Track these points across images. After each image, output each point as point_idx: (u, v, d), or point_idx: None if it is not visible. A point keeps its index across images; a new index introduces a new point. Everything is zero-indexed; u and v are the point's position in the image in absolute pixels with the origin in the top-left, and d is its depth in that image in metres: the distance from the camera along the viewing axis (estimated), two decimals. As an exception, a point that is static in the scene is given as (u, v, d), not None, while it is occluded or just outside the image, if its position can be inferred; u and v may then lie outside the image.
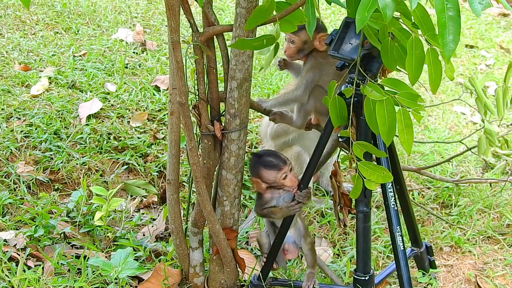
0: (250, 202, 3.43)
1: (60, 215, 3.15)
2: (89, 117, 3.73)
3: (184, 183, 3.44)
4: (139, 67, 4.39)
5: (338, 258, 3.12)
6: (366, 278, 2.55)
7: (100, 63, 4.33)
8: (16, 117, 3.68)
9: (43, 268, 2.82)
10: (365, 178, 2.30)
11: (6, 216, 3.10)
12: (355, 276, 2.56)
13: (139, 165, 3.54)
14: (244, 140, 2.61)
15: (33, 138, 3.54)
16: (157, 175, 3.52)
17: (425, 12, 1.98)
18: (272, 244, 2.67)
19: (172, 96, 2.52)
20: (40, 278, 2.73)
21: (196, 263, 2.79)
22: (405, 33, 2.07)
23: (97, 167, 3.48)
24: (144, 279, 2.81)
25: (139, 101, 3.95)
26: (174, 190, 2.67)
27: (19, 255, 2.86)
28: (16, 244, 2.92)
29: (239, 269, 2.77)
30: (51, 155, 3.48)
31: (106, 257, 2.94)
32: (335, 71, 2.45)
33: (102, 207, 3.05)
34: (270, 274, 2.74)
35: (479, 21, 6.33)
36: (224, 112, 2.58)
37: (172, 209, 2.69)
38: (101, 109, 3.80)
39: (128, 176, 3.52)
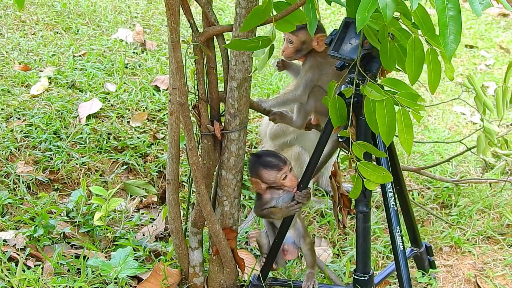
0: (250, 202, 3.43)
1: (60, 215, 3.15)
2: (89, 117, 3.73)
3: (183, 183, 3.44)
4: (139, 67, 4.39)
5: (337, 258, 3.12)
6: (366, 278, 2.55)
7: (100, 63, 4.33)
8: (16, 117, 3.68)
9: (42, 268, 2.82)
10: (364, 178, 2.30)
11: (5, 216, 3.10)
12: (355, 276, 2.56)
13: (138, 165, 3.54)
14: (244, 140, 2.61)
15: (33, 138, 3.54)
16: (156, 175, 3.52)
17: (425, 12, 1.98)
18: (272, 244, 2.67)
19: (172, 96, 2.52)
20: (39, 278, 2.73)
21: (195, 263, 2.79)
22: (405, 33, 2.07)
23: (97, 167, 3.48)
24: (143, 279, 2.81)
25: (139, 101, 3.95)
26: (174, 190, 2.67)
27: (18, 255, 2.86)
28: (15, 244, 2.92)
29: (238, 269, 2.77)
30: (50, 155, 3.48)
31: (105, 257, 2.93)
32: (335, 71, 2.45)
33: (101, 207, 3.04)
34: (270, 274, 2.74)
35: (479, 21, 6.32)
36: (224, 112, 2.58)
37: (171, 209, 2.69)
38: (101, 109, 3.80)
39: (128, 176, 3.52)
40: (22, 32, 4.67)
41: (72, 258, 2.89)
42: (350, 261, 3.02)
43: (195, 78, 2.52)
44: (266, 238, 2.72)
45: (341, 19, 5.55)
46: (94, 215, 3.02)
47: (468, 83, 3.06)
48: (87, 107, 3.79)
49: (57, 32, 4.75)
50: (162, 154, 3.61)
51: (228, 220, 2.69)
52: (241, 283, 2.86)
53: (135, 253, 2.92)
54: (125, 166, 3.53)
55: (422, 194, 3.69)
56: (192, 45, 2.46)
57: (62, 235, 3.04)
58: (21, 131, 3.56)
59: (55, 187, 3.37)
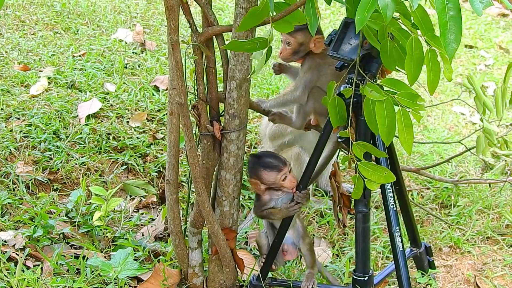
0: (249, 202, 3.43)
1: (59, 215, 3.15)
2: (88, 117, 3.73)
3: (183, 183, 3.43)
4: (139, 67, 4.39)
5: (337, 258, 3.12)
6: (365, 279, 2.55)
7: (100, 63, 4.33)
8: (15, 117, 3.68)
9: (42, 268, 2.82)
10: (365, 178, 2.29)
11: (5, 216, 3.10)
12: (354, 277, 2.56)
13: (138, 165, 3.54)
14: (243, 140, 2.61)
15: (32, 138, 3.54)
16: (156, 175, 3.52)
17: (424, 13, 1.98)
18: (271, 244, 2.67)
19: (172, 96, 2.52)
20: (39, 278, 2.73)
21: (195, 263, 2.79)
22: (405, 33, 2.07)
23: (96, 167, 3.47)
24: (143, 279, 2.81)
25: (138, 101, 3.95)
26: (173, 190, 2.67)
27: (18, 255, 2.86)
28: (15, 244, 2.92)
29: (238, 269, 2.77)
30: (50, 155, 3.48)
31: (105, 257, 2.93)
32: (333, 71, 2.45)
33: (101, 207, 3.04)
34: (269, 275, 2.74)
35: (478, 21, 6.32)
36: (223, 112, 2.58)
37: (171, 209, 2.69)
38: (100, 109, 3.80)
39: (127, 176, 3.52)
40: (21, 32, 4.66)
41: (71, 258, 2.89)
42: (350, 261, 3.02)
43: (195, 78, 2.52)
44: (266, 238, 2.72)
45: (340, 19, 5.55)
46: (94, 215, 3.02)
47: (468, 83, 3.06)
48: (86, 107, 3.79)
49: (56, 32, 4.75)
50: (162, 154, 3.60)
51: (228, 220, 2.69)
52: (240, 283, 2.85)
53: (134, 253, 2.91)
54: (124, 166, 3.53)
55: (421, 195, 3.69)
56: (191, 45, 2.46)
57: (61, 235, 3.04)
58: (20, 131, 3.56)
59: (55, 187, 3.37)
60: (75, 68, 4.23)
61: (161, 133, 3.75)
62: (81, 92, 3.98)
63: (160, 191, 3.46)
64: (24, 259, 2.83)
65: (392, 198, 2.50)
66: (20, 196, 3.23)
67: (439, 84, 3.59)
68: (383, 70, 2.45)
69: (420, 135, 4.29)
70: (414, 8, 1.84)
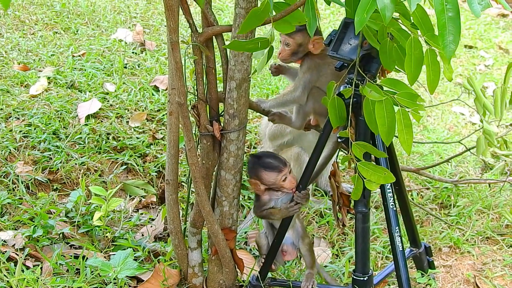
0: (249, 202, 3.43)
1: (59, 215, 3.15)
2: (88, 117, 3.73)
3: (183, 183, 3.43)
4: (138, 67, 4.39)
5: (337, 258, 3.12)
6: (365, 279, 2.55)
7: (99, 63, 4.33)
8: (15, 117, 3.68)
9: (41, 268, 2.82)
10: (365, 178, 2.29)
11: (4, 216, 3.10)
12: (354, 277, 2.56)
13: (138, 165, 3.54)
14: (243, 140, 2.61)
15: (32, 138, 3.54)
16: (156, 175, 3.52)
17: (424, 13, 1.98)
18: (271, 244, 2.67)
19: (171, 96, 2.52)
20: (38, 278, 2.73)
21: (194, 263, 2.79)
22: (404, 33, 2.07)
23: (96, 167, 3.47)
24: (142, 280, 2.81)
25: (138, 101, 3.95)
26: (173, 190, 2.67)
27: (17, 255, 2.86)
28: (14, 244, 2.92)
29: (237, 269, 2.77)
30: (50, 155, 3.48)
31: (104, 257, 2.93)
32: (333, 71, 2.45)
33: (101, 207, 3.04)
34: (269, 275, 2.73)
35: (478, 21, 6.33)
36: (223, 113, 2.58)
37: (171, 209, 2.69)
38: (100, 109, 3.80)
39: (127, 176, 3.52)
40: (21, 32, 4.66)
41: (71, 258, 2.89)
42: (349, 261, 3.02)
43: (194, 79, 2.52)
44: (266, 239, 2.72)
45: (340, 19, 5.55)
46: (93, 215, 3.02)
47: (468, 84, 3.06)
48: (86, 107, 3.79)
49: (56, 32, 4.75)
50: (161, 154, 3.60)
51: (227, 220, 2.69)
52: (240, 284, 2.85)
53: (134, 253, 2.91)
54: (124, 166, 3.53)
55: (421, 195, 3.69)
56: (191, 45, 2.46)
57: (61, 235, 3.04)
58: (20, 131, 3.56)
59: (54, 187, 3.37)
60: (75, 68, 4.23)
61: (161, 133, 3.75)
62: (81, 92, 3.98)
63: (160, 191, 3.46)
64: (24, 259, 2.83)
65: (392, 198, 2.50)
66: (19, 196, 3.23)
67: (439, 84, 3.59)
68: (383, 70, 2.45)
69: (420, 135, 4.29)
70: (412, 10, 1.84)
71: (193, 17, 2.43)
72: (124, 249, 2.89)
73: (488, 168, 3.92)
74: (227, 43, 2.45)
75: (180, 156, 2.69)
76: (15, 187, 3.28)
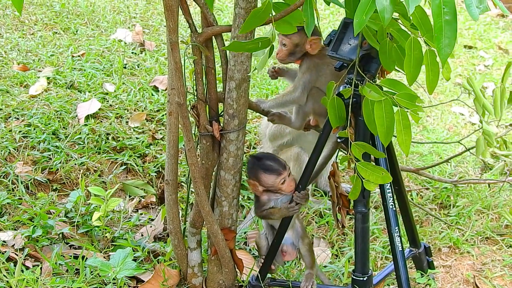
0: (249, 203, 3.43)
1: (59, 215, 3.15)
2: (87, 117, 3.73)
3: (182, 184, 3.44)
4: (138, 67, 4.39)
5: (336, 258, 3.12)
6: (365, 279, 2.55)
7: (99, 63, 4.33)
8: (15, 117, 3.68)
9: (41, 268, 2.82)
10: (364, 178, 2.30)
11: (4, 216, 3.10)
12: (354, 277, 2.56)
13: (137, 166, 3.54)
14: (243, 140, 2.61)
15: (32, 138, 3.54)
16: (155, 175, 3.52)
17: (423, 13, 1.98)
18: (271, 244, 2.67)
19: (171, 97, 2.52)
20: (38, 278, 2.73)
21: (194, 263, 2.79)
22: (404, 34, 2.07)
23: (96, 167, 3.47)
24: (142, 279, 2.81)
25: (137, 101, 3.95)
26: (173, 191, 2.67)
27: (17, 255, 2.86)
28: (14, 244, 2.92)
29: (237, 269, 2.77)
30: (49, 155, 3.48)
31: (104, 257, 2.93)
32: (332, 71, 2.45)
33: (100, 207, 3.04)
34: (269, 275, 2.73)
35: (477, 21, 6.33)
36: (222, 113, 2.58)
37: (170, 210, 2.69)
38: (99, 109, 3.80)
39: (127, 177, 3.52)
40: (21, 32, 4.66)
41: (70, 259, 2.89)
42: (349, 261, 3.02)
43: (194, 79, 2.52)
44: (265, 240, 2.72)
45: (340, 19, 5.55)
46: (93, 215, 3.03)
47: (468, 84, 3.06)
48: (85, 108, 3.79)
49: (56, 32, 4.75)
50: (161, 154, 3.60)
51: (227, 220, 2.69)
52: (239, 284, 2.85)
53: (133, 254, 2.91)
54: (123, 167, 3.53)
55: (421, 195, 3.69)
56: (190, 46, 2.46)
57: (60, 235, 3.04)
58: (19, 131, 3.56)
59: (54, 187, 3.37)
60: (74, 68, 4.23)
61: (160, 133, 3.75)
62: (80, 92, 3.98)
63: (159, 191, 3.46)
64: (23, 259, 2.83)
65: (392, 199, 2.50)
66: (19, 196, 3.23)
67: (439, 85, 3.59)
68: (382, 70, 2.45)
69: (420, 135, 4.29)
70: (410, 13, 1.84)
71: (192, 17, 2.43)
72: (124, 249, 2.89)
73: (487, 168, 3.92)
74: (226, 43, 2.45)
75: (180, 156, 2.69)
76: (15, 187, 3.28)
